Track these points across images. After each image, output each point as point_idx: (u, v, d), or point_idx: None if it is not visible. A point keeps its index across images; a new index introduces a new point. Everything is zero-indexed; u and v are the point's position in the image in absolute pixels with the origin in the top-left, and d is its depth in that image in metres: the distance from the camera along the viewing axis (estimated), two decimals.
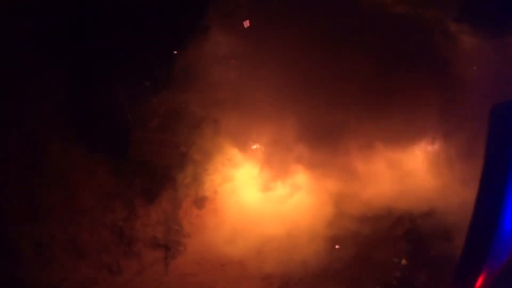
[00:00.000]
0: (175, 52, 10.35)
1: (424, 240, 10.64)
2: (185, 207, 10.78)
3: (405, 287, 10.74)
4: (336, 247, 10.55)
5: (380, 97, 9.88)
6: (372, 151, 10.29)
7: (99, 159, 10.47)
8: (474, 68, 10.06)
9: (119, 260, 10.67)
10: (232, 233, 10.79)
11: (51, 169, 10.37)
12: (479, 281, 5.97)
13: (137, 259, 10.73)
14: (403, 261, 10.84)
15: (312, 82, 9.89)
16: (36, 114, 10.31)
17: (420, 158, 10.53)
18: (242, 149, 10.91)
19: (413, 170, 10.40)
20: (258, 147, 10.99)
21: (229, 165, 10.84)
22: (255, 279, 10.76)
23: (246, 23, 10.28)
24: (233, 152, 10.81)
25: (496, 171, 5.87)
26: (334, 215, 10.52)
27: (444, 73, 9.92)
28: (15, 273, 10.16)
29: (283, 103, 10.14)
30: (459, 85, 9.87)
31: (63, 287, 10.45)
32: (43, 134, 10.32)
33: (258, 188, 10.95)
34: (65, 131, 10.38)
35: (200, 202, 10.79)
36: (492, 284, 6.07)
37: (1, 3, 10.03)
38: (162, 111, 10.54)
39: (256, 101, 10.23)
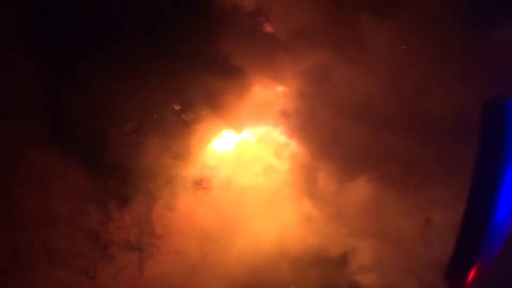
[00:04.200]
0: None
1: None
2: (157, 209, 11.18)
3: None
4: None
5: None
6: None
7: (74, 163, 10.74)
8: None
9: (96, 264, 10.98)
10: (203, 235, 11.30)
11: (26, 174, 10.62)
12: (472, 273, 6.11)
13: (112, 263, 11.05)
14: None
15: None
16: (10, 117, 10.51)
17: None
18: (216, 152, 11.47)
19: None
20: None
21: (201, 168, 11.33)
22: (225, 279, 11.14)
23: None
24: (206, 155, 11.32)
25: (488, 165, 6.04)
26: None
27: None
28: None
29: None
30: None
31: None
32: (17, 138, 10.54)
33: (230, 192, 11.44)
34: (39, 134, 10.61)
35: (172, 204, 11.25)
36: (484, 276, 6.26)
37: None
38: (137, 114, 10.98)
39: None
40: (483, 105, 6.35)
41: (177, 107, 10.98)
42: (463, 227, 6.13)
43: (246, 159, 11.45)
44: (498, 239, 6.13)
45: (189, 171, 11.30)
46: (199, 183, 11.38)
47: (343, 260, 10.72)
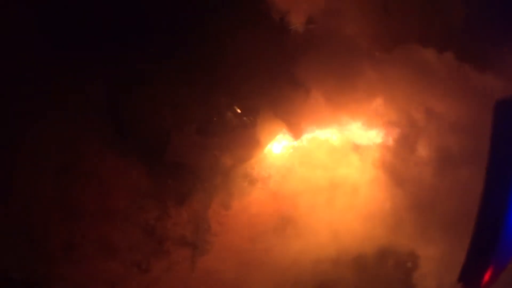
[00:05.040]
0: None
1: None
2: (214, 207, 11.29)
3: None
4: None
5: None
6: None
7: (135, 161, 10.75)
8: None
9: (149, 258, 11.10)
10: (257, 234, 11.46)
11: (87, 169, 10.59)
12: (486, 276, 5.92)
13: (166, 257, 11.16)
14: None
15: None
16: (73, 114, 10.50)
17: None
18: (274, 154, 11.60)
19: None
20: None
21: (259, 169, 11.46)
22: (276, 279, 11.37)
23: None
24: (264, 157, 11.43)
25: (501, 164, 5.79)
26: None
27: None
28: (47, 272, 10.44)
29: None
30: None
31: (93, 286, 10.88)
32: (79, 134, 10.54)
33: (286, 193, 11.56)
34: (102, 132, 10.63)
35: (228, 203, 11.38)
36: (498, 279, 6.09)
37: None
38: (199, 115, 10.99)
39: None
40: (496, 104, 5.84)
41: (239, 110, 11.03)
42: (477, 228, 5.96)
43: (304, 162, 11.55)
44: None
45: (247, 171, 11.38)
46: (256, 183, 11.49)
47: (404, 264, 11.03)
